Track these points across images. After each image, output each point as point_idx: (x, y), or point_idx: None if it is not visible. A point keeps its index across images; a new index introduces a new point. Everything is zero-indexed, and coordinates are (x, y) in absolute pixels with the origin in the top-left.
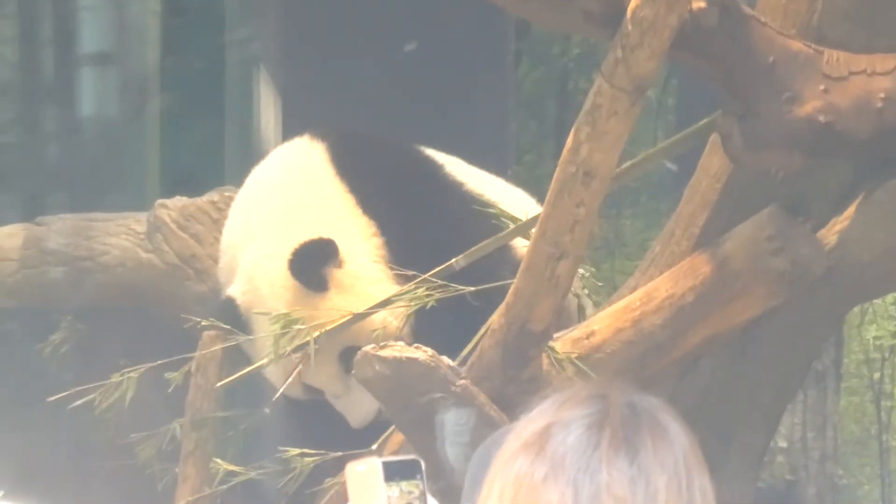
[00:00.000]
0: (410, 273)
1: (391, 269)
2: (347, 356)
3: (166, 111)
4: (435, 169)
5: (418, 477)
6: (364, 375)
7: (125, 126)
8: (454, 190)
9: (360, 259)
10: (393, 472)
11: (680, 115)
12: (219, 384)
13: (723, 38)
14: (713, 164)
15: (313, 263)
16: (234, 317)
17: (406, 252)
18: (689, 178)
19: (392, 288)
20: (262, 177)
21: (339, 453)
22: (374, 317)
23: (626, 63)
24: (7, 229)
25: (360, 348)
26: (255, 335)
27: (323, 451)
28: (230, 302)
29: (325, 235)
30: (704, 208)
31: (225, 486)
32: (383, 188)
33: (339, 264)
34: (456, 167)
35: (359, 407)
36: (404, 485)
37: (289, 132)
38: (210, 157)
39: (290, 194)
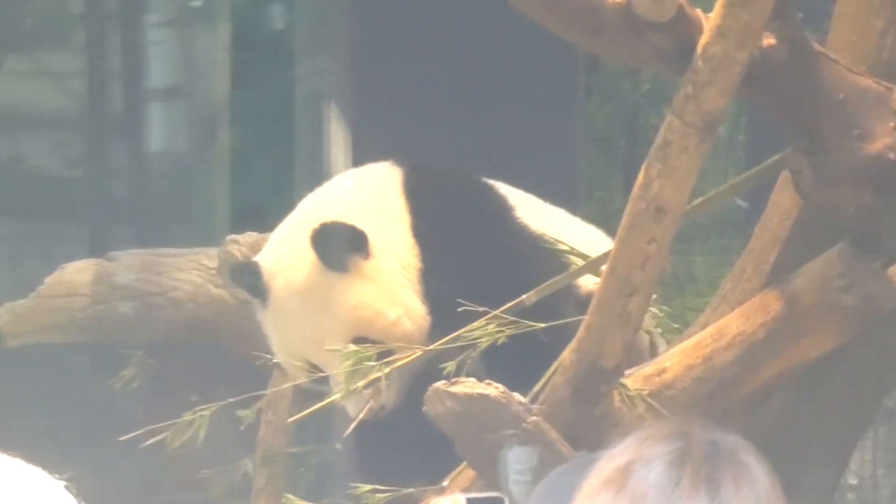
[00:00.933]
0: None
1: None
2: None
3: (236, 145)
4: (503, 214)
5: None
6: (435, 411)
7: (194, 160)
8: (516, 238)
9: (390, 261)
10: None
11: (750, 151)
12: (290, 420)
13: (793, 75)
14: (784, 201)
15: (335, 241)
16: (253, 281)
17: (437, 291)
18: (760, 214)
19: (414, 299)
20: (335, 181)
21: (411, 489)
22: (389, 311)
23: (697, 99)
24: (77, 264)
25: (370, 341)
26: (270, 307)
27: (395, 488)
28: (254, 266)
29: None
30: (775, 245)
31: None
32: (444, 226)
33: (367, 256)
34: (529, 208)
35: (358, 401)
36: None
37: (359, 166)
38: (280, 191)
39: (352, 196)
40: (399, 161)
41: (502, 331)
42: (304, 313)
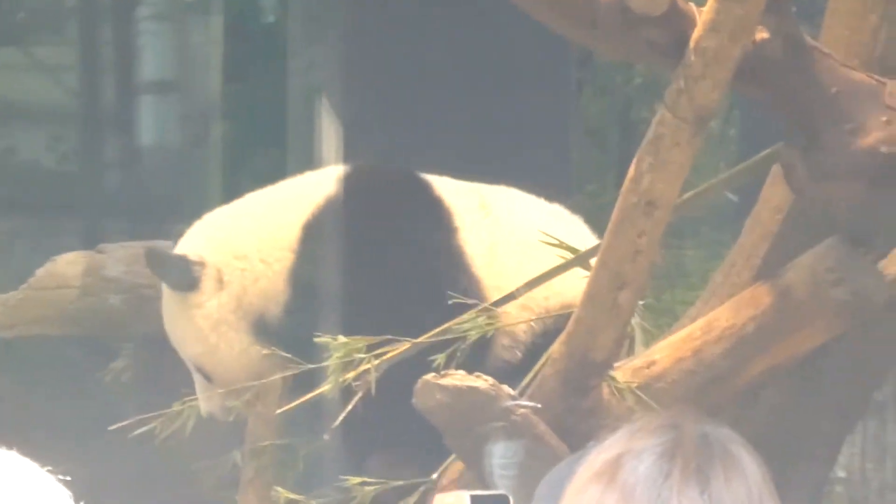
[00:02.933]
0: None
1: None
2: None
3: (228, 139)
4: (422, 248)
5: None
6: (425, 404)
7: (186, 154)
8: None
9: (224, 299)
10: None
11: (742, 145)
12: (278, 411)
13: (786, 70)
14: (775, 195)
15: (166, 266)
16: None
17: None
18: (751, 208)
19: (241, 337)
20: (261, 196)
21: (400, 482)
22: (190, 344)
23: (689, 93)
24: (68, 256)
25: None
26: None
27: (383, 480)
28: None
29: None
30: (766, 239)
31: None
32: (329, 273)
33: (193, 288)
34: (489, 214)
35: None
36: None
37: (350, 159)
38: (272, 184)
39: (244, 223)
40: (343, 176)
41: (492, 323)
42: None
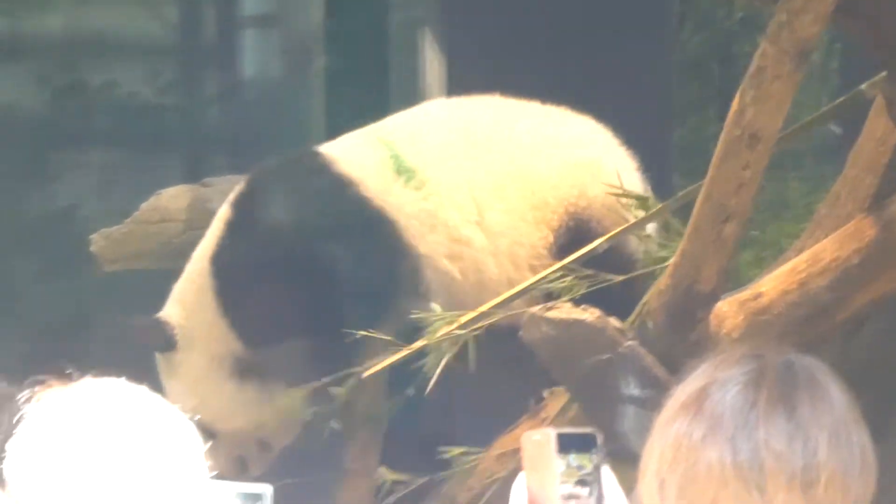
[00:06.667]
0: None
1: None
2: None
3: (330, 73)
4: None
5: (593, 451)
6: (531, 336)
7: (288, 88)
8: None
9: (195, 356)
10: (567, 444)
11: (844, 78)
12: (364, 374)
13: (886, 2)
14: (878, 127)
15: (146, 336)
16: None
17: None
18: (854, 140)
19: (222, 387)
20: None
21: (499, 451)
22: (185, 402)
23: (791, 26)
24: (172, 191)
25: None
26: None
27: (482, 448)
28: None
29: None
30: (870, 171)
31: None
32: (257, 306)
33: (172, 348)
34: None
35: None
36: (574, 458)
37: (453, 94)
38: (374, 119)
39: (181, 283)
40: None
41: (580, 283)
42: None
